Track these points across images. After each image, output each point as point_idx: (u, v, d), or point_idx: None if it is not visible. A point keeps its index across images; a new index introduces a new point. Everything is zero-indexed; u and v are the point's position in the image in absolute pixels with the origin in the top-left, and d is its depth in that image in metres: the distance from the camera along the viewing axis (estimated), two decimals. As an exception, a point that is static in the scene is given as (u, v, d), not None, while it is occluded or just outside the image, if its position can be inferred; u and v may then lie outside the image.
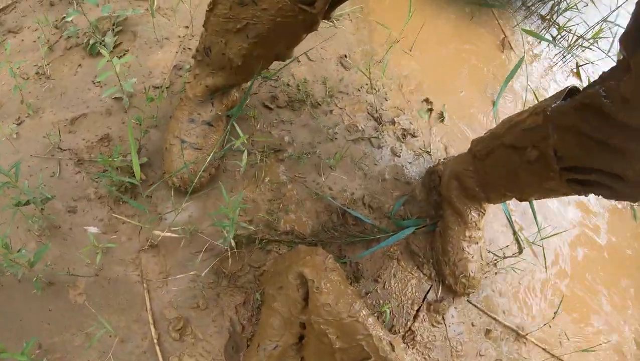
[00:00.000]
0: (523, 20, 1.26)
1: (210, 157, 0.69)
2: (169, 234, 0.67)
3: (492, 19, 1.24)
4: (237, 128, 0.67)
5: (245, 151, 0.69)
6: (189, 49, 0.89)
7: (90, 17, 0.90)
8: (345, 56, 0.97)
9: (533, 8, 1.28)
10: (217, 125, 0.74)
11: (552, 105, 0.48)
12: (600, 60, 1.24)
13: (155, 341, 0.62)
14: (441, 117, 0.97)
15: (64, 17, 0.94)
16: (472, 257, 0.72)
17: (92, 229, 0.68)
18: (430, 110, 0.98)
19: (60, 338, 0.62)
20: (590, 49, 1.23)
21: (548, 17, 1.26)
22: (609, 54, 1.24)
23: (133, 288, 0.66)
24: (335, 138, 0.84)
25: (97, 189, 0.72)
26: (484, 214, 0.72)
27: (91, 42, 0.87)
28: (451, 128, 0.96)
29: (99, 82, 0.83)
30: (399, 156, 0.87)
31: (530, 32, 0.89)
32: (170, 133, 0.72)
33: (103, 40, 0.87)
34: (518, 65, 0.93)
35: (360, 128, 0.87)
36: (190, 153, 0.70)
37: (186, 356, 0.62)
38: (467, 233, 0.72)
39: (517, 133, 0.56)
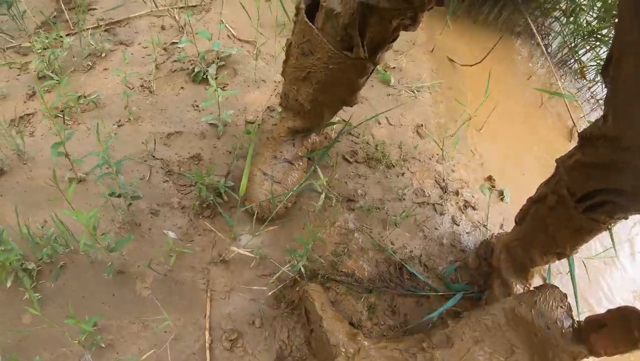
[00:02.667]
0: (590, 112, 1.59)
1: (289, 192, 0.98)
2: (243, 251, 0.92)
3: (562, 107, 1.58)
4: (319, 171, 0.97)
5: (323, 194, 0.97)
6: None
7: (199, 47, 1.29)
8: (422, 125, 1.30)
9: (601, 101, 1.62)
10: (297, 164, 1.04)
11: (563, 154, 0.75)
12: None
13: (207, 345, 0.84)
14: (501, 195, 1.24)
15: (174, 42, 1.34)
16: None
17: (171, 234, 0.95)
18: (492, 187, 1.25)
19: (118, 322, 0.84)
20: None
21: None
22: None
23: (197, 294, 0.90)
24: (404, 199, 1.11)
25: (181, 200, 1.01)
26: (529, 288, 0.94)
27: (196, 69, 1.24)
28: (509, 207, 1.22)
29: (198, 106, 1.18)
30: (458, 225, 1.13)
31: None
32: (255, 166, 1.02)
33: (207, 71, 1.24)
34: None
35: (426, 193, 1.15)
36: (270, 185, 0.99)
37: (233, 370, 0.83)
38: None
39: (540, 188, 0.82)
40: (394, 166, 1.16)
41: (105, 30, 1.37)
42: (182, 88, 1.23)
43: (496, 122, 1.43)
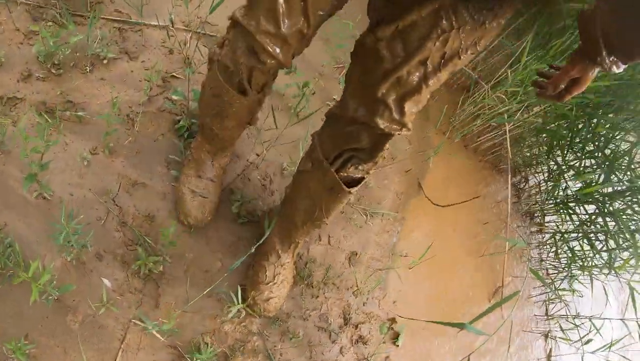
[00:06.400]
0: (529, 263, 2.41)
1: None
2: (155, 333, 1.60)
3: (500, 263, 2.37)
4: (238, 295, 1.66)
5: (237, 306, 1.66)
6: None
7: (192, 102, 1.90)
8: (357, 254, 2.01)
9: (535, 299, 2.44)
10: (217, 180, 1.76)
11: None
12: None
13: (106, 390, 1.52)
14: (396, 338, 2.00)
15: (175, 75, 1.95)
16: None
17: (107, 282, 1.61)
18: (391, 328, 2.01)
19: (45, 340, 1.50)
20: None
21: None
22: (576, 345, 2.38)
23: (113, 343, 1.57)
24: (307, 319, 1.83)
25: (124, 254, 1.66)
26: (293, 258, 1.75)
27: (181, 122, 1.87)
28: (398, 351, 1.98)
29: (170, 164, 1.81)
30: (344, 356, 1.87)
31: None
32: (183, 185, 1.72)
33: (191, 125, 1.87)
34: (495, 307, 2.00)
35: (329, 321, 1.88)
36: (200, 200, 1.69)
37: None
38: None
39: (302, 160, 1.51)
40: (312, 287, 1.87)
41: (117, 29, 1.94)
42: (163, 135, 1.85)
43: (430, 264, 2.17)
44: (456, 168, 2.51)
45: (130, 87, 1.87)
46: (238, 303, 1.57)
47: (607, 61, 1.04)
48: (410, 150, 2.40)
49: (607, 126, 2.25)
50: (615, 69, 1.06)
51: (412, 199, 2.31)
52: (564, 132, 2.37)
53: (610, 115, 2.28)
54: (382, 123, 1.16)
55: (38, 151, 1.47)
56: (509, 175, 2.36)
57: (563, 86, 1.19)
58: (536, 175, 2.77)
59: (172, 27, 1.99)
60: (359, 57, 1.19)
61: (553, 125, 2.42)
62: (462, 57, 1.08)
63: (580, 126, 2.33)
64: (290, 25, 1.12)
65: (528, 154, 2.69)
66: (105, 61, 1.87)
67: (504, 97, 2.30)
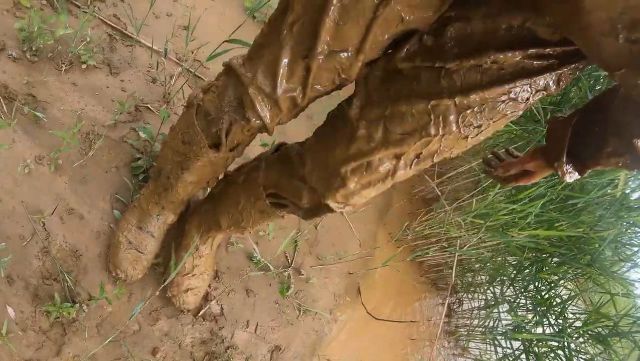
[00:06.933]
0: None
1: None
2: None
3: None
4: None
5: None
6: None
7: (157, 144, 1.85)
8: (280, 349, 1.97)
9: None
10: (158, 238, 1.66)
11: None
12: None
13: None
14: None
15: (148, 107, 1.90)
16: None
17: (11, 312, 1.47)
18: None
19: None
20: None
21: None
22: None
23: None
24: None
25: (37, 287, 1.54)
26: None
27: (140, 162, 1.80)
28: None
29: (115, 203, 1.73)
30: None
31: None
32: (121, 231, 1.62)
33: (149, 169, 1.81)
34: None
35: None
36: (134, 254, 1.59)
37: None
38: None
39: (242, 170, 1.51)
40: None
41: (109, 35, 1.89)
42: (117, 168, 1.78)
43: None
44: (398, 281, 2.56)
45: (101, 103, 1.81)
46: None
47: (563, 168, 1.16)
48: (358, 253, 2.43)
49: (551, 273, 2.42)
50: (568, 178, 1.18)
51: (349, 303, 2.31)
52: (510, 268, 2.51)
53: (556, 265, 2.47)
54: (330, 199, 1.19)
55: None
56: (447, 300, 2.44)
57: (512, 172, 1.31)
58: (472, 301, 2.86)
59: (165, 56, 1.96)
60: (336, 125, 1.19)
61: (500, 259, 2.56)
62: (434, 160, 1.13)
63: (526, 265, 2.48)
64: (286, 89, 1.09)
65: (470, 279, 2.80)
66: (84, 66, 1.80)
67: (461, 221, 2.41)
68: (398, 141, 1.07)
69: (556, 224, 2.39)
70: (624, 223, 2.46)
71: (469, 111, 1.02)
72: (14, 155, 1.59)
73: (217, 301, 1.83)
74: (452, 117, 1.02)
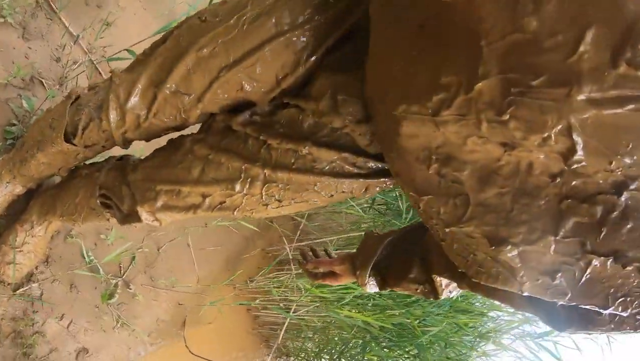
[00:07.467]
0: None
1: None
2: None
3: None
4: None
5: None
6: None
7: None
8: (87, 352, 2.08)
9: None
10: (1, 202, 1.77)
11: None
12: None
13: None
14: None
15: (42, 80, 2.07)
16: None
17: None
18: None
19: None
20: None
21: None
22: None
23: None
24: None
25: None
26: None
27: (13, 130, 1.96)
28: None
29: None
30: None
31: None
32: None
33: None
34: None
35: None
36: None
37: None
38: None
39: None
40: (28, 358, 1.89)
41: (36, 2, 2.05)
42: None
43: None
44: (228, 326, 2.75)
45: (1, 60, 1.95)
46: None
47: (364, 279, 1.35)
48: (194, 287, 2.61)
49: (373, 355, 2.70)
50: (368, 288, 1.36)
51: (170, 332, 2.46)
52: (338, 342, 2.77)
53: (385, 348, 2.75)
54: (141, 208, 1.37)
55: None
56: (269, 357, 2.65)
57: (321, 270, 1.49)
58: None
59: (74, 42, 2.15)
60: (172, 148, 1.36)
61: (332, 332, 2.83)
62: (235, 213, 1.29)
63: (353, 342, 2.76)
64: (134, 106, 1.27)
65: (300, 345, 3.03)
66: (1, 20, 1.94)
67: (302, 287, 2.68)
68: (207, 183, 1.25)
69: (388, 311, 2.68)
70: (453, 324, 2.71)
71: (274, 184, 1.20)
72: None
73: (39, 285, 1.95)
74: (258, 183, 1.20)
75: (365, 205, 3.01)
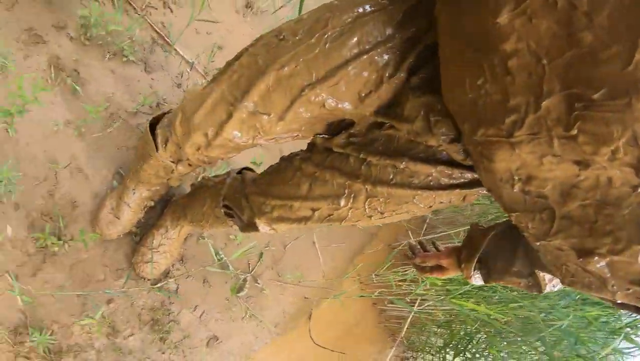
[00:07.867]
0: None
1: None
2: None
3: None
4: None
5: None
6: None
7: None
8: (217, 339, 2.36)
9: None
10: (134, 208, 2.04)
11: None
12: None
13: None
14: None
15: (166, 105, 2.38)
16: None
17: (9, 230, 1.93)
18: None
19: None
20: None
21: None
22: None
23: None
24: (142, 366, 2.15)
25: (37, 219, 2.00)
26: None
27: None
28: None
29: (114, 175, 2.20)
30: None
31: None
32: (109, 198, 2.08)
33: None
34: None
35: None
36: (111, 218, 2.06)
37: None
38: None
39: None
40: (164, 343, 2.20)
41: (152, 39, 2.39)
42: (126, 148, 2.25)
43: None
44: (354, 319, 2.92)
45: (129, 93, 2.29)
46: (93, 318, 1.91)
47: (470, 272, 1.37)
48: (320, 282, 2.81)
49: (497, 350, 2.71)
50: (473, 281, 1.38)
51: (295, 324, 2.68)
52: (463, 336, 2.82)
53: (504, 343, 2.75)
54: (258, 220, 1.49)
55: (25, 98, 1.85)
56: (392, 350, 2.77)
57: (429, 264, 1.52)
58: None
59: (191, 68, 2.44)
60: (284, 166, 1.45)
61: (455, 326, 2.88)
62: (342, 224, 1.35)
63: (477, 337, 2.79)
64: (201, 123, 1.31)
65: (424, 339, 3.13)
66: (124, 59, 2.29)
67: (427, 281, 2.76)
68: (315, 198, 1.32)
69: (512, 304, 2.62)
70: (582, 318, 2.55)
71: (375, 198, 1.24)
72: (49, 114, 2.08)
73: (175, 280, 2.25)
74: (361, 198, 1.26)
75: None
